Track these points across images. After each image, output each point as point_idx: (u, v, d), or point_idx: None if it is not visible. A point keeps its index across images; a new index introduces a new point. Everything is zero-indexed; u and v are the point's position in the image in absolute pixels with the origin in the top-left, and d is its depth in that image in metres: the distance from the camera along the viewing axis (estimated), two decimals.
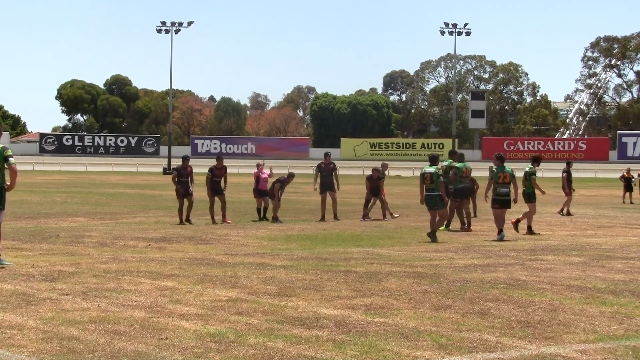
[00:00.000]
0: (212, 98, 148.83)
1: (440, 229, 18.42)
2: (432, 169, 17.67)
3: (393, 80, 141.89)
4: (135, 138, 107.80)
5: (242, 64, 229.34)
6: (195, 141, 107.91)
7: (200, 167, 31.41)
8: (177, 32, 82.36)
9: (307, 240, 17.35)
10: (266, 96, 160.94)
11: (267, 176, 23.70)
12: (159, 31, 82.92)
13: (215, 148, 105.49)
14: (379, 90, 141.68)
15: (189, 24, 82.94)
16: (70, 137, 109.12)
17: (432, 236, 17.26)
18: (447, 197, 18.44)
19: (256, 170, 23.86)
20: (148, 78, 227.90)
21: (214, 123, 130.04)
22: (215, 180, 22.27)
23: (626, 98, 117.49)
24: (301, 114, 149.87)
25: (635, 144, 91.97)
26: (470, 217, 20.59)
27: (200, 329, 7.82)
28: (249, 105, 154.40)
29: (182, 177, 21.84)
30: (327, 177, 23.53)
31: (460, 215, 20.32)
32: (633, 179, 37.10)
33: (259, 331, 7.74)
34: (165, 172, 77.01)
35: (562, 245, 16.50)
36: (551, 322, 8.31)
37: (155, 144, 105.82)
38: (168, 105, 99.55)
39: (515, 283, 11.01)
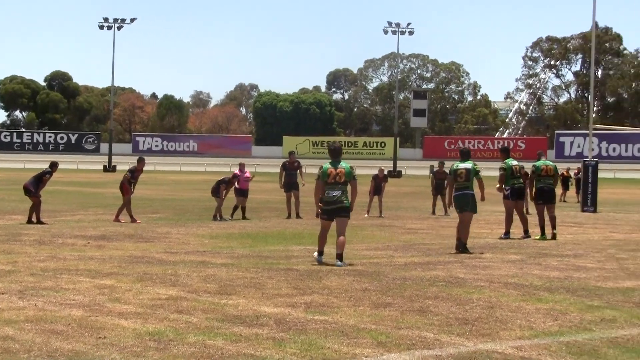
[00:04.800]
0: (154, 95, 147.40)
1: (535, 238, 17.64)
2: (468, 165, 15.46)
3: (336, 78, 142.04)
4: (76, 135, 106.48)
5: (184, 62, 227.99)
6: (137, 138, 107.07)
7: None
8: (119, 28, 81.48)
9: (248, 238, 17.31)
10: (208, 94, 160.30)
11: (249, 176, 23.94)
12: (101, 27, 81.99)
13: (156, 145, 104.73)
14: (322, 89, 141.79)
15: (132, 20, 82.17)
16: (8, 133, 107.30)
17: (462, 247, 15.00)
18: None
19: (237, 171, 24.01)
20: (89, 74, 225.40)
21: (156, 120, 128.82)
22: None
23: (564, 98, 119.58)
24: (244, 111, 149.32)
25: (572, 143, 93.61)
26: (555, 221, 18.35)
27: (139, 327, 7.77)
28: (191, 103, 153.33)
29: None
30: (291, 176, 23.75)
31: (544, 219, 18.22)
32: (570, 179, 38.46)
33: (198, 330, 7.71)
34: (106, 169, 76.21)
35: (500, 244, 16.74)
36: (488, 319, 8.43)
37: (96, 141, 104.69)
38: (109, 102, 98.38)
39: (454, 281, 11.14)
